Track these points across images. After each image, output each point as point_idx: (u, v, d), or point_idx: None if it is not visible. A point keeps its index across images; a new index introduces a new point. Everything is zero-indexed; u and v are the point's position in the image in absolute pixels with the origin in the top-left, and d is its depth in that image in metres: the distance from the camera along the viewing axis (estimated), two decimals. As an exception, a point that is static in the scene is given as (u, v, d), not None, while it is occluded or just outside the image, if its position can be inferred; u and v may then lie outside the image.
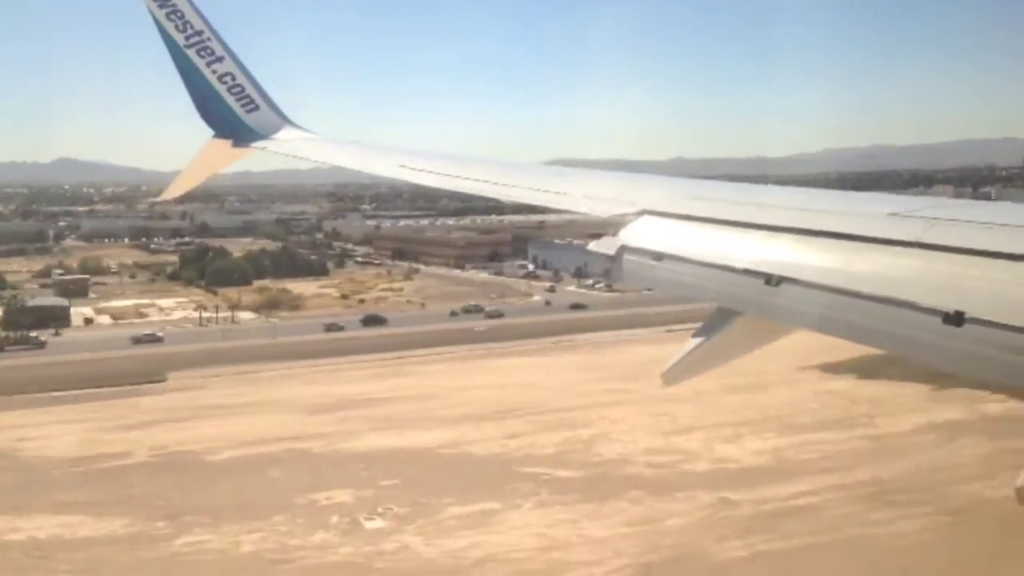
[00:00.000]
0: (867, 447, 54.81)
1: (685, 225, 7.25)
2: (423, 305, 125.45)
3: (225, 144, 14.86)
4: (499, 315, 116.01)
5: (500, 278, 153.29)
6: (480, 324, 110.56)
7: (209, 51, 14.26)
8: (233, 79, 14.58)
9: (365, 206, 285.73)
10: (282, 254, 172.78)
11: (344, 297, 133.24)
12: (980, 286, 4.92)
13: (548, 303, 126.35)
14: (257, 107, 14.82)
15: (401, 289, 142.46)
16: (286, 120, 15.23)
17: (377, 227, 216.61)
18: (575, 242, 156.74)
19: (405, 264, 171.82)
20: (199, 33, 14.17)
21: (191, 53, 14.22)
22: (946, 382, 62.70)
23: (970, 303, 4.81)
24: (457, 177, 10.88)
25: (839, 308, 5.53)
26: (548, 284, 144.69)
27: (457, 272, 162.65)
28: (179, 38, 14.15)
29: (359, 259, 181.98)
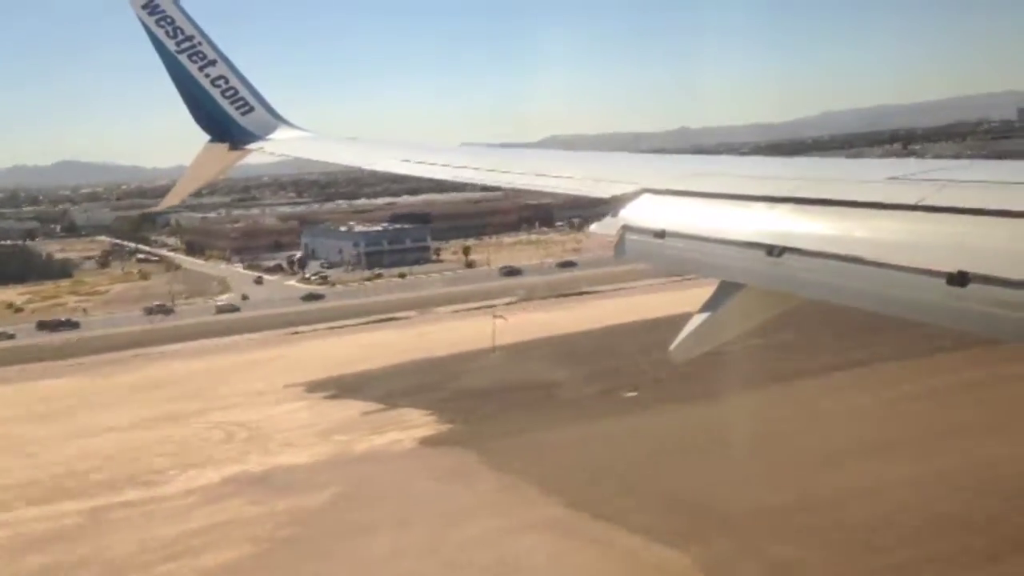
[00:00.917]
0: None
1: (685, 201, 7.22)
2: (86, 311, 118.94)
3: (222, 148, 14.96)
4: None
5: (239, 271, 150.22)
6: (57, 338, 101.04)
7: (201, 55, 14.32)
8: (226, 82, 14.63)
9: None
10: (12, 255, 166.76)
11: (18, 310, 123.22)
12: (981, 245, 4.88)
13: (220, 307, 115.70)
14: (252, 108, 14.87)
15: (107, 292, 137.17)
16: (281, 120, 15.32)
17: (203, 219, 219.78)
18: (346, 227, 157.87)
19: (189, 258, 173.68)
20: (190, 38, 14.26)
21: (183, 59, 14.28)
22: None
23: (973, 262, 4.76)
24: (458, 167, 10.99)
25: (842, 275, 5.49)
26: (256, 276, 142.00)
27: (223, 265, 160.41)
28: (170, 44, 14.23)
29: (140, 256, 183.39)
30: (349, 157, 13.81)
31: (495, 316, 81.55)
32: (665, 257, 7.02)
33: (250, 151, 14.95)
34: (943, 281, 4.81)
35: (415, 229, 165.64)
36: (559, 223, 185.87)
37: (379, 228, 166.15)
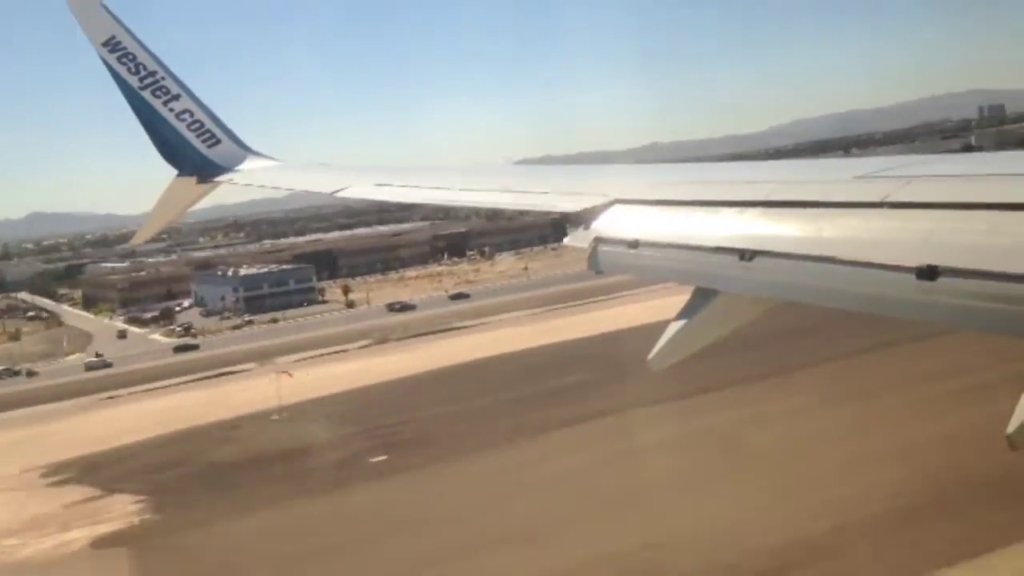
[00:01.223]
0: None
1: (656, 210, 7.23)
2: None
3: (190, 181, 14.70)
4: None
5: (118, 324, 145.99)
6: None
7: (164, 90, 14.16)
8: (191, 115, 14.46)
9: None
10: None
11: None
12: (949, 239, 4.96)
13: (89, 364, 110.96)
14: (218, 141, 14.67)
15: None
16: (248, 151, 15.03)
17: (108, 269, 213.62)
18: (232, 272, 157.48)
19: (81, 312, 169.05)
20: (152, 74, 14.07)
21: (146, 95, 14.09)
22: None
23: (941, 256, 4.84)
24: (429, 188, 10.75)
25: (813, 275, 5.55)
26: (120, 329, 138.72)
27: (107, 319, 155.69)
28: (133, 81, 14.02)
29: (30, 313, 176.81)
30: (318, 184, 13.20)
31: (281, 373, 79.17)
32: (639, 267, 6.98)
33: (218, 183, 14.60)
34: (912, 276, 4.86)
35: (299, 270, 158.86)
36: (470, 252, 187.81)
37: (263, 270, 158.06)
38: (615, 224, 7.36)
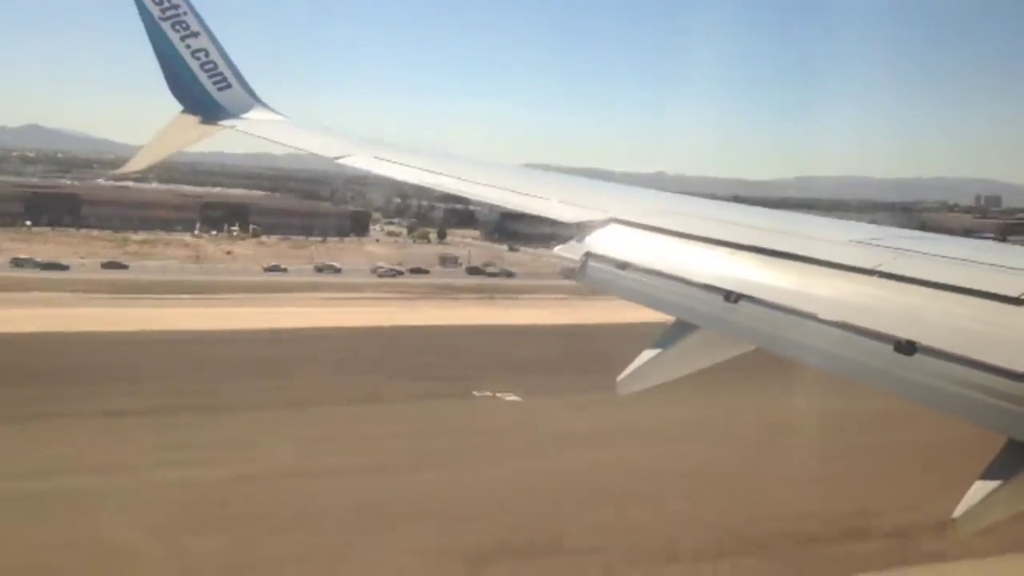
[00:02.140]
0: None
1: (651, 236, 7.27)
2: None
3: (193, 120, 14.62)
4: None
5: None
6: None
7: (184, 25, 14.09)
8: (206, 55, 14.40)
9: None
10: None
11: None
12: (934, 318, 4.97)
13: None
14: (229, 85, 14.61)
15: None
16: (257, 100, 14.94)
17: None
18: None
19: None
20: (175, 7, 14.02)
21: (165, 26, 14.03)
22: None
23: (923, 333, 4.87)
24: (432, 173, 10.69)
25: (793, 329, 5.57)
26: None
27: None
28: (155, 10, 13.95)
29: None
30: (316, 146, 13.05)
31: None
32: (624, 288, 7.01)
33: (222, 128, 14.50)
34: (891, 348, 4.89)
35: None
36: (232, 228, 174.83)
37: None
38: (608, 242, 7.40)
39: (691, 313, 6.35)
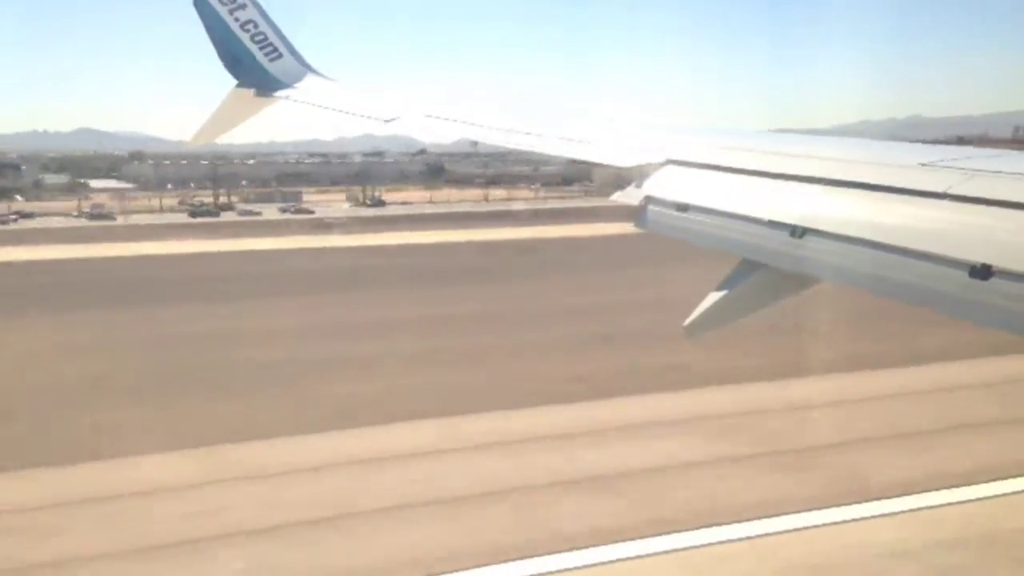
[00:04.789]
0: None
1: (710, 175, 7.07)
2: None
3: (248, 93, 14.66)
4: None
5: None
6: None
7: None
8: (255, 26, 14.45)
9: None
10: None
11: None
12: (1009, 239, 4.76)
13: None
14: (280, 55, 14.63)
15: None
16: (309, 68, 14.94)
17: None
18: None
19: None
20: None
21: (213, 1, 14.15)
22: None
23: (999, 256, 4.69)
24: (481, 127, 10.55)
25: (863, 260, 5.42)
26: None
27: None
28: None
29: None
30: (373, 109, 12.84)
31: None
32: (686, 231, 6.86)
33: (276, 99, 14.50)
34: (965, 273, 4.73)
35: None
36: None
37: None
38: (667, 185, 7.23)
39: (756, 251, 6.20)
